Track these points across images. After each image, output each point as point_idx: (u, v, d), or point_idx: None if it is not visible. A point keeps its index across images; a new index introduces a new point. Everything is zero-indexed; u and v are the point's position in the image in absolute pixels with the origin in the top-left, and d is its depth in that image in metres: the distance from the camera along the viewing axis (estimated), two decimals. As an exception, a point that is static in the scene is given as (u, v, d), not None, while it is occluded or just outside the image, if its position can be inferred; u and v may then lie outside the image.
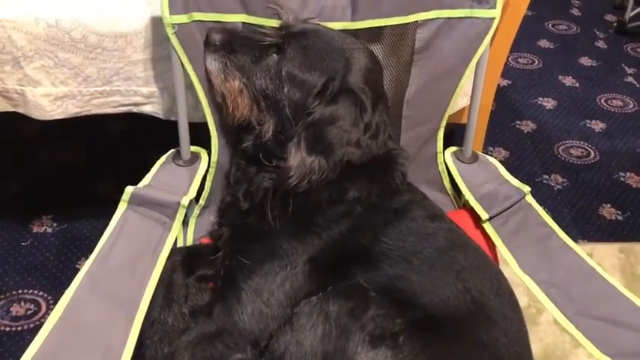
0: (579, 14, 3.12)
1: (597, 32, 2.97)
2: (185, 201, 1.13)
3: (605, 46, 2.86)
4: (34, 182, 1.91)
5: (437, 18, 1.19)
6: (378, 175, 1.08)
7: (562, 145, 2.24)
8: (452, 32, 1.21)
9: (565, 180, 2.08)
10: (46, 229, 1.76)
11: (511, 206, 1.20)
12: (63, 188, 1.90)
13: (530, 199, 1.22)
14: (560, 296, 1.05)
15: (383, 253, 1.01)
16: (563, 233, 1.16)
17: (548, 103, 2.46)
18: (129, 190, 1.11)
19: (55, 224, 1.77)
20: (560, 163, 2.16)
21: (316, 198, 1.04)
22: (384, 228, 1.04)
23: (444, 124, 1.30)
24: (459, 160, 1.32)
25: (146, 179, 1.17)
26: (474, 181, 1.27)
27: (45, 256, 1.68)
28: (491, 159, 1.33)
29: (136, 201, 1.11)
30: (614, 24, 2.98)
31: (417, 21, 1.18)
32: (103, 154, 2.03)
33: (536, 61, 2.72)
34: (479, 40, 1.21)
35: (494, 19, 1.19)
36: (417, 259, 1.01)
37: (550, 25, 3.00)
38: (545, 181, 2.07)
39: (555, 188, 2.05)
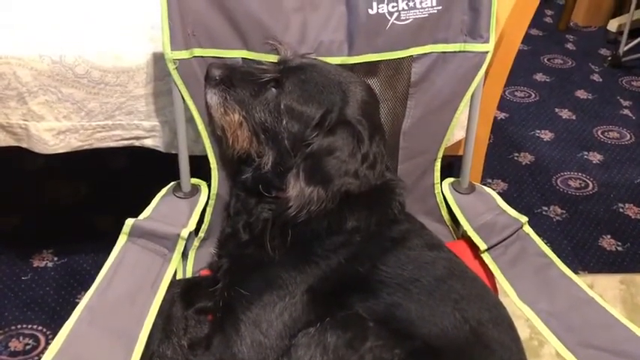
0: (574, 48, 3.18)
1: (592, 66, 3.01)
2: (185, 233, 1.14)
3: (601, 80, 2.90)
4: (35, 216, 1.92)
5: (431, 52, 1.22)
6: (377, 205, 1.09)
7: (560, 177, 2.25)
8: (446, 66, 1.23)
9: (564, 211, 2.09)
10: (46, 263, 1.75)
11: (509, 236, 1.21)
12: (64, 222, 1.90)
13: (527, 229, 1.23)
14: (559, 326, 1.05)
15: (381, 282, 1.02)
16: (561, 263, 1.16)
17: (546, 136, 2.48)
18: (129, 222, 1.12)
19: (55, 258, 1.77)
20: (558, 194, 2.17)
21: (315, 228, 1.05)
22: (382, 256, 1.05)
23: (440, 155, 1.32)
24: (456, 190, 1.33)
25: (146, 211, 1.18)
26: (471, 212, 1.28)
27: (45, 290, 1.68)
28: (488, 189, 1.34)
29: (136, 233, 1.12)
30: (609, 58, 3.01)
31: (412, 55, 1.21)
32: (104, 187, 2.04)
33: (533, 95, 2.75)
34: (473, 74, 1.23)
35: (487, 52, 1.22)
36: (415, 287, 1.01)
37: (545, 59, 3.05)
38: (544, 213, 2.08)
39: (554, 219, 2.05)
